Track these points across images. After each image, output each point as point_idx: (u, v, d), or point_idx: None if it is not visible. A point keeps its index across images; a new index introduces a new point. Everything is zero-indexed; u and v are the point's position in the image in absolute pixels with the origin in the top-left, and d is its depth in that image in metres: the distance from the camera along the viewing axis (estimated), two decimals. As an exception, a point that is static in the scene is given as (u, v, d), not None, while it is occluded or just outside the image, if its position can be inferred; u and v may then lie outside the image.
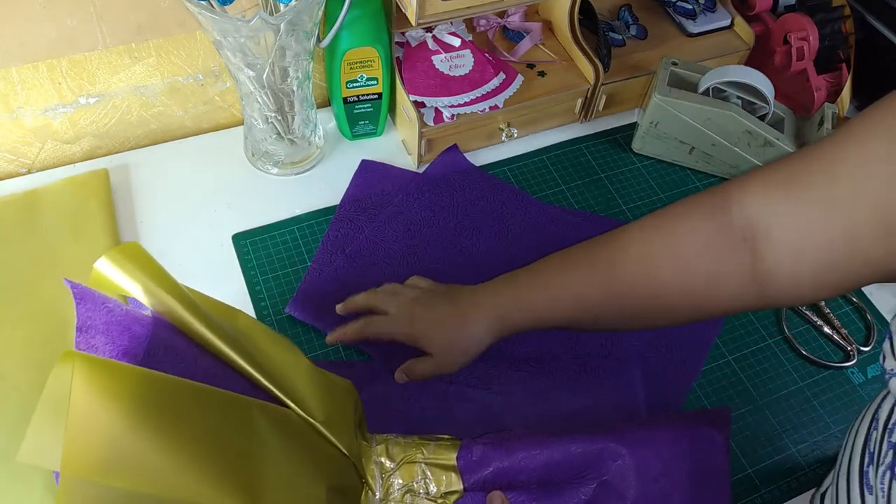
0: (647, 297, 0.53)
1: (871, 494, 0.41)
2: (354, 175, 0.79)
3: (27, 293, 0.66)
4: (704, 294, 0.51)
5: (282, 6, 0.62)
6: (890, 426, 0.43)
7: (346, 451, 0.51)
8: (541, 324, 0.58)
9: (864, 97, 0.90)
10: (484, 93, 0.80)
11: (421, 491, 0.54)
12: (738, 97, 0.78)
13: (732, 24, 0.89)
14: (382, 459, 0.55)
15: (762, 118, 0.78)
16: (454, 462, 0.55)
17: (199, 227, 0.73)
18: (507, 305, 0.58)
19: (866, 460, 0.44)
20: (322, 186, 0.78)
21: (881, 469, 0.41)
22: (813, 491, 0.61)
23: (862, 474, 0.44)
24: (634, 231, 0.54)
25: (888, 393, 0.45)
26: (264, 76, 0.67)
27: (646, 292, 0.53)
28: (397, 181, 0.78)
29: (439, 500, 0.54)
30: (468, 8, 0.66)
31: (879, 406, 0.46)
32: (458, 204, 0.77)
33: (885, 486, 0.40)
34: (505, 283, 0.60)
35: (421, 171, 0.79)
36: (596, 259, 0.55)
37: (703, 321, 0.69)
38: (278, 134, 0.74)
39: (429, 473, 0.55)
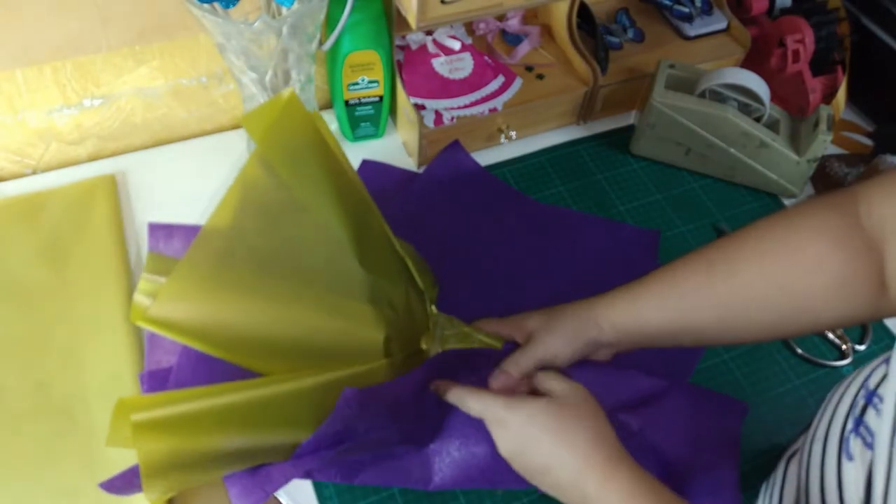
0: (761, 307, 0.50)
1: (851, 461, 0.41)
2: (355, 175, 0.79)
3: (28, 292, 0.67)
4: (826, 299, 0.48)
5: (284, 10, 0.63)
6: None
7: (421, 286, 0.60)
8: (637, 334, 0.56)
9: (859, 99, 0.91)
10: (483, 95, 0.81)
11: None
12: (735, 99, 0.79)
13: (729, 26, 0.90)
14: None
15: (758, 120, 0.78)
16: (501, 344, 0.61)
17: (202, 228, 0.74)
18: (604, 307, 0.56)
19: (849, 426, 0.43)
20: (323, 187, 0.78)
21: None
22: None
23: (842, 441, 0.43)
24: (750, 233, 0.51)
25: (881, 363, 0.44)
26: (267, 79, 0.67)
27: (762, 302, 0.50)
28: (397, 180, 0.79)
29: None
30: (468, 11, 0.67)
31: (869, 376, 0.45)
32: (458, 203, 0.77)
33: None
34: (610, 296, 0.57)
35: (422, 171, 0.80)
36: (711, 269, 0.52)
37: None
38: (280, 135, 0.75)
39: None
